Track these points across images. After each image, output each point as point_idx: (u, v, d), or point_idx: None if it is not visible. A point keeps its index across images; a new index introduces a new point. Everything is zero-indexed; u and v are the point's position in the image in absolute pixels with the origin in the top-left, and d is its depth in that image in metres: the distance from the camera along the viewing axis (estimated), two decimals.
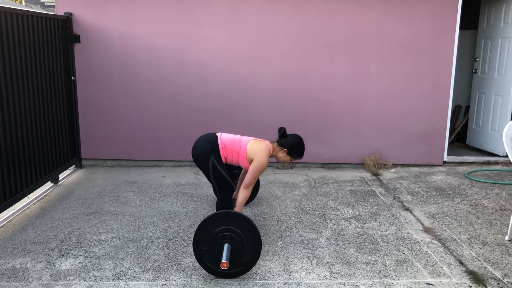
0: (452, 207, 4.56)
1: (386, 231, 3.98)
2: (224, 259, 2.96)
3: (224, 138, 3.62)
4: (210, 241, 3.09)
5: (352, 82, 5.82)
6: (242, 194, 3.55)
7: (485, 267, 3.34)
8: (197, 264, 3.34)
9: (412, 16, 5.69)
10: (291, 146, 3.67)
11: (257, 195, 4.68)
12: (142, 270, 3.26)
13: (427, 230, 4.00)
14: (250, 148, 3.56)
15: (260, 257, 3.43)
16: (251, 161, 3.55)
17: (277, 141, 3.72)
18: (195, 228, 3.96)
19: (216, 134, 3.67)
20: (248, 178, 3.53)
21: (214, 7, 5.61)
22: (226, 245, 3.08)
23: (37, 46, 4.63)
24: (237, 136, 3.67)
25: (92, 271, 3.23)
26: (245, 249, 3.11)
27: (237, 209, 3.55)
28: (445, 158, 6.09)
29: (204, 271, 3.24)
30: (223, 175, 3.55)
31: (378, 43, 5.73)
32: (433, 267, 3.34)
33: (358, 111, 5.89)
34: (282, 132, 3.71)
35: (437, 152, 6.03)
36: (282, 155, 3.69)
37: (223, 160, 3.60)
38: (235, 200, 3.77)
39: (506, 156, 6.18)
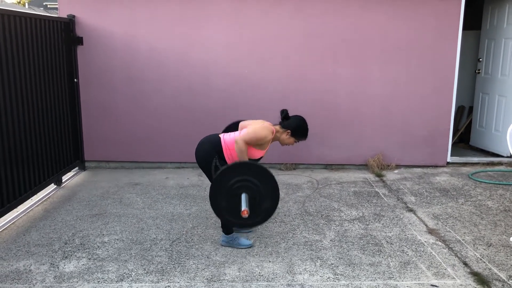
0: (456, 208, 4.55)
1: (390, 232, 3.96)
2: (244, 207, 2.98)
3: (226, 139, 3.60)
4: (227, 196, 3.15)
5: (355, 83, 5.81)
6: (235, 149, 3.48)
7: (489, 269, 3.32)
8: (200, 266, 3.34)
9: (415, 17, 5.67)
10: (295, 127, 3.63)
11: None
12: (145, 272, 3.26)
13: (431, 231, 3.98)
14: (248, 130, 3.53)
15: (263, 259, 3.43)
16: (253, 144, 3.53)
17: (279, 123, 3.70)
18: (199, 232, 3.96)
19: (219, 135, 3.66)
20: (244, 132, 3.48)
21: (217, 9, 5.61)
22: (243, 195, 3.11)
23: (40, 48, 4.64)
24: (237, 133, 3.66)
25: (96, 273, 3.23)
26: (262, 195, 3.14)
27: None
28: (449, 159, 6.07)
29: (207, 273, 3.24)
30: None
31: (381, 44, 5.72)
32: (437, 268, 3.33)
33: (361, 112, 5.88)
34: (284, 114, 3.67)
35: (440, 153, 6.01)
36: (286, 137, 3.66)
37: (230, 161, 3.58)
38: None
39: (510, 156, 6.16)
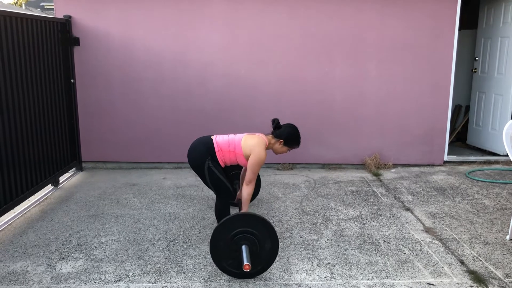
0: (453, 207, 4.56)
1: (387, 231, 3.97)
2: (245, 262, 2.97)
3: (219, 140, 3.60)
4: (227, 249, 3.11)
5: (351, 83, 5.82)
6: (245, 192, 3.54)
7: (486, 267, 3.33)
8: (197, 266, 3.34)
9: (411, 17, 5.68)
10: (287, 136, 3.65)
11: (258, 196, 4.67)
12: (142, 272, 3.26)
13: (427, 230, 3.99)
14: (244, 145, 3.55)
15: None
16: (248, 157, 3.54)
17: (271, 133, 3.71)
18: (196, 232, 3.97)
19: (211, 137, 3.66)
20: (248, 174, 3.52)
21: (213, 10, 5.61)
22: (244, 247, 3.09)
23: (37, 49, 4.63)
24: (231, 136, 3.65)
25: (93, 274, 3.22)
26: (261, 243, 3.13)
27: (243, 208, 3.54)
28: (446, 157, 6.09)
29: (204, 272, 3.24)
30: (220, 178, 3.53)
31: (378, 44, 5.73)
32: (434, 267, 3.34)
33: (358, 112, 5.89)
34: (276, 123, 3.69)
35: (437, 152, 6.02)
36: (278, 146, 3.68)
37: (222, 163, 3.59)
38: (240, 200, 3.76)
39: (507, 155, 6.18)
